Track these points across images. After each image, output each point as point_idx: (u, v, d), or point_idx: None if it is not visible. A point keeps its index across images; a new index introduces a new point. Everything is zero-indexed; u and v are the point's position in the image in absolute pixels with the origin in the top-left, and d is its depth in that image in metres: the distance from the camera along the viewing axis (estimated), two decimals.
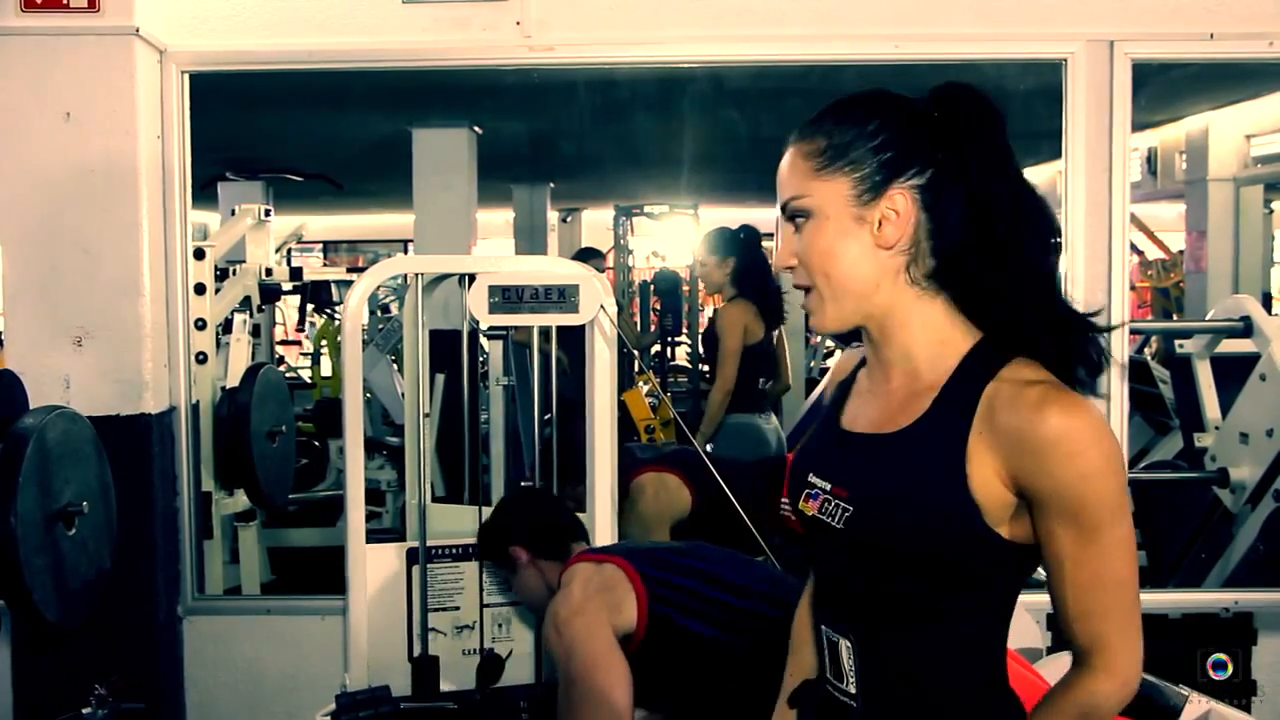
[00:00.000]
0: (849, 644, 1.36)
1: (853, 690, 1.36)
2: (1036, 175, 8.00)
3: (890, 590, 1.30)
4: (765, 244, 5.37)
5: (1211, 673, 1.93)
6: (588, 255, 5.41)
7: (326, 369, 7.30)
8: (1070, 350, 1.29)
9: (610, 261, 9.45)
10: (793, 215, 1.33)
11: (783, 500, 1.44)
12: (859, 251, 1.30)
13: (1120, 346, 3.09)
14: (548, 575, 2.47)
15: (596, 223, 11.95)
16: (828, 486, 1.35)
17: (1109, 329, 1.31)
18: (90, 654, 2.95)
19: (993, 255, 1.28)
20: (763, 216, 11.14)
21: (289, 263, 6.44)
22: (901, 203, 1.29)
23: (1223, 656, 1.95)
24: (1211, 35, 3.10)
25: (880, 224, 1.30)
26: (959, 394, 1.28)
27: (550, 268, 2.75)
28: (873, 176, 1.29)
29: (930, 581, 1.28)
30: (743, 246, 4.59)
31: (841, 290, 1.31)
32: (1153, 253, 8.90)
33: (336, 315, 6.96)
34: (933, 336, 1.32)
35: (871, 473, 1.32)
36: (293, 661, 3.21)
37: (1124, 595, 1.25)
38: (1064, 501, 1.21)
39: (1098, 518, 1.21)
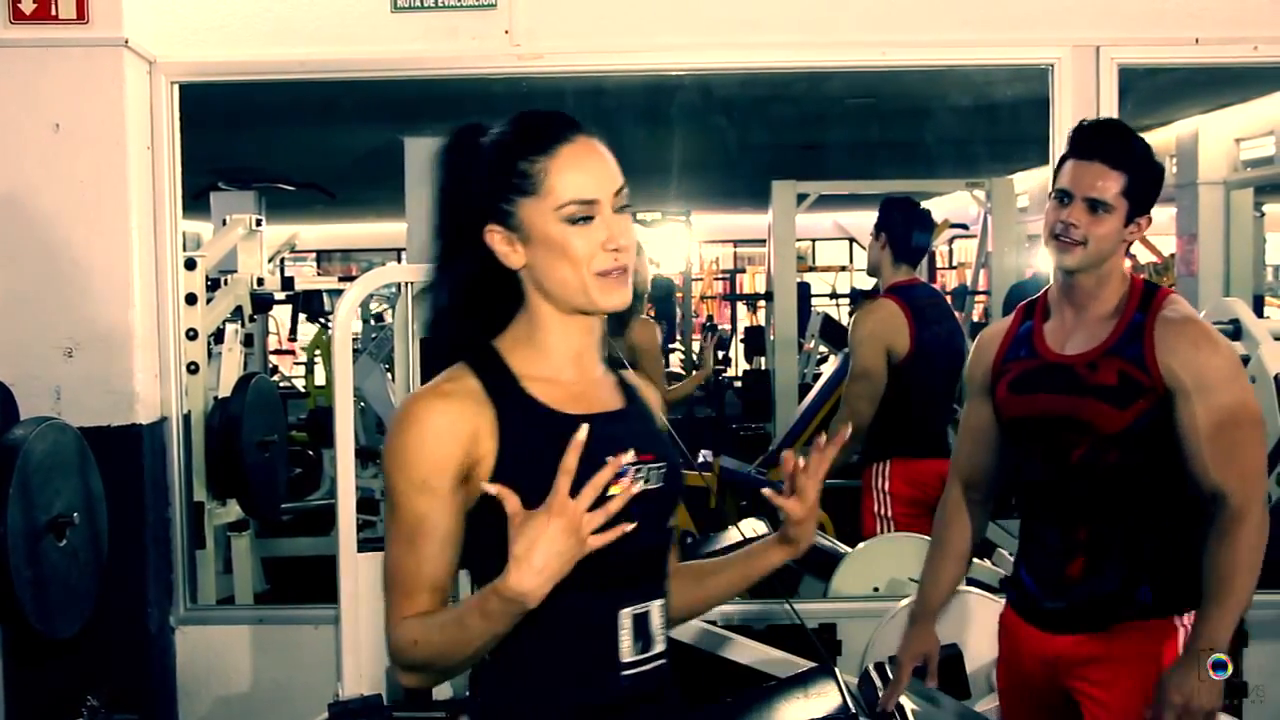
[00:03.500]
0: (660, 604, 1.48)
1: (661, 648, 1.48)
2: (1027, 180, 8.02)
3: (669, 535, 1.52)
4: None
5: (1211, 673, 1.94)
6: None
7: (320, 378, 7.30)
8: None
9: None
10: (625, 206, 1.46)
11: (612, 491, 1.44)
12: None
13: None
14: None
15: None
16: (625, 458, 1.39)
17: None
18: (82, 665, 2.95)
19: None
20: (755, 222, 11.15)
21: (282, 272, 6.45)
22: None
23: (1222, 657, 1.96)
24: (1197, 40, 3.12)
25: None
26: (626, 380, 1.58)
27: None
28: None
29: None
30: None
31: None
32: (1145, 256, 8.93)
33: (329, 324, 6.96)
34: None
35: (650, 435, 1.53)
36: (286, 671, 3.20)
37: None
38: None
39: None
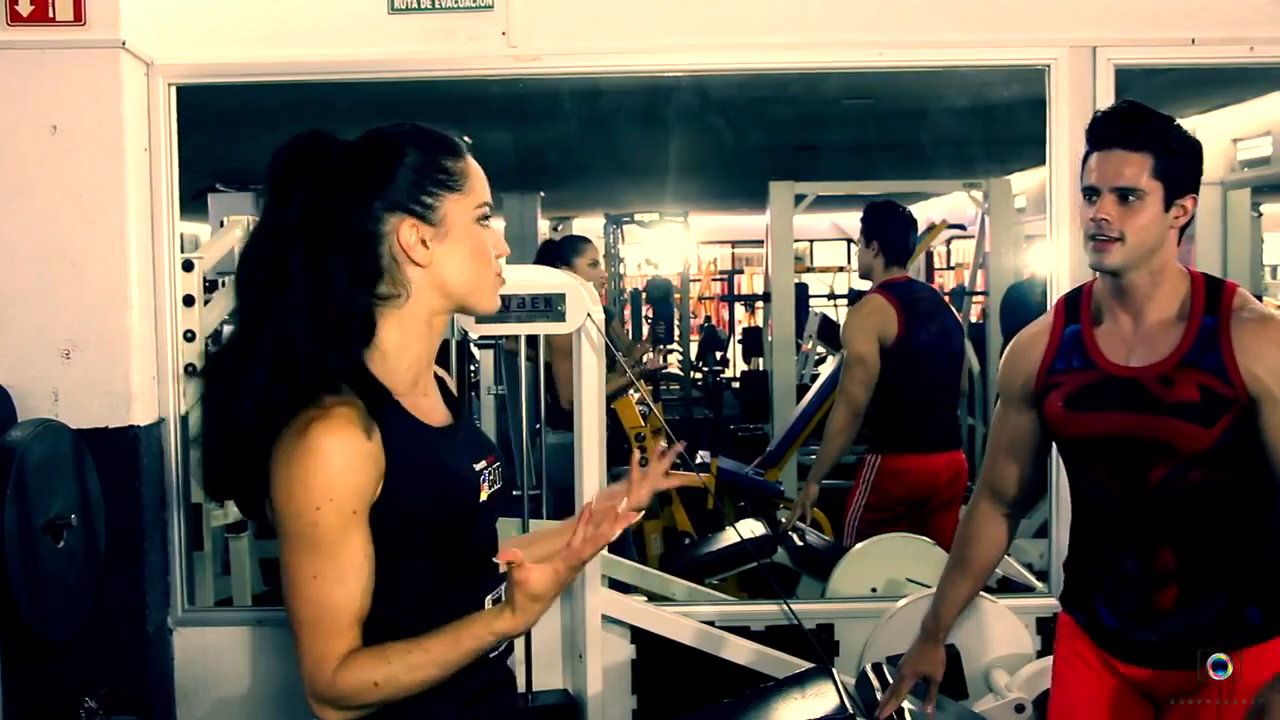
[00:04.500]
0: (505, 586, 1.45)
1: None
2: (1024, 180, 8.03)
3: None
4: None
5: (1211, 673, 1.92)
6: (576, 242, 5.13)
7: None
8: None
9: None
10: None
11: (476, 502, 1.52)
12: None
13: None
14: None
15: (587, 231, 11.96)
16: (484, 463, 1.52)
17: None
18: (80, 667, 2.95)
19: None
20: (753, 223, 11.16)
21: None
22: None
23: (1223, 656, 1.92)
24: (1193, 40, 3.12)
25: None
26: (441, 379, 1.60)
27: (537, 276, 2.76)
28: None
29: None
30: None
31: None
32: None
33: None
34: None
35: (484, 439, 1.61)
36: (284, 673, 3.20)
37: None
38: None
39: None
